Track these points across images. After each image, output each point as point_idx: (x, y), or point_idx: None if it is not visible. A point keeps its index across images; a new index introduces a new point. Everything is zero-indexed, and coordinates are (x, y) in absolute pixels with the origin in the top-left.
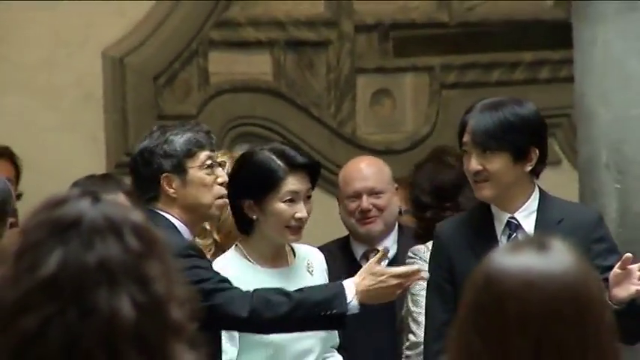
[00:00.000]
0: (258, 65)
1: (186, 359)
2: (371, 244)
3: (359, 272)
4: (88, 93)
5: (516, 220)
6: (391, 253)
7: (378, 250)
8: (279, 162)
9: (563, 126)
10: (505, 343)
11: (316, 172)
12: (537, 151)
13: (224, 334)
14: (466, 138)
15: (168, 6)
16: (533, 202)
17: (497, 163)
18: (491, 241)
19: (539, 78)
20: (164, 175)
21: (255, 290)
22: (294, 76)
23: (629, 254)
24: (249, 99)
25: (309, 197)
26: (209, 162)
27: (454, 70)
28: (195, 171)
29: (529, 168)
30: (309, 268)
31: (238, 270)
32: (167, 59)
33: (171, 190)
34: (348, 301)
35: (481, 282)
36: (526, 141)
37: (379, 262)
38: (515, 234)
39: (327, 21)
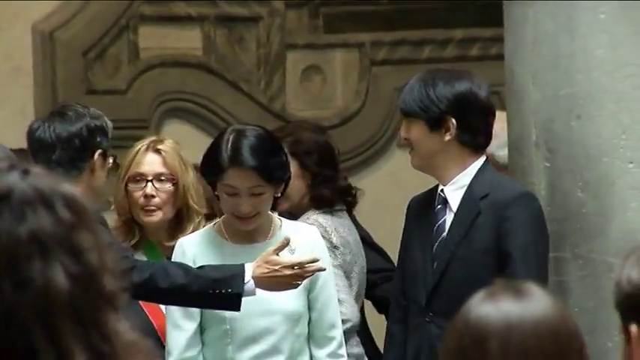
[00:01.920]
0: (188, 40)
1: (120, 329)
2: None
3: (257, 259)
4: (17, 67)
5: (443, 193)
6: None
7: None
8: (228, 152)
9: (494, 104)
10: None
11: (267, 173)
12: (454, 122)
13: (178, 310)
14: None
15: None
16: (466, 176)
17: (415, 131)
18: (429, 210)
19: (469, 55)
20: (100, 151)
21: (156, 263)
22: (225, 51)
23: None
24: (180, 74)
25: (259, 194)
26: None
27: (384, 46)
28: (110, 159)
29: (448, 137)
30: (291, 246)
31: (204, 245)
32: (97, 34)
33: (97, 169)
34: (245, 281)
35: (462, 326)
36: (440, 111)
37: (277, 251)
38: (441, 207)
39: None
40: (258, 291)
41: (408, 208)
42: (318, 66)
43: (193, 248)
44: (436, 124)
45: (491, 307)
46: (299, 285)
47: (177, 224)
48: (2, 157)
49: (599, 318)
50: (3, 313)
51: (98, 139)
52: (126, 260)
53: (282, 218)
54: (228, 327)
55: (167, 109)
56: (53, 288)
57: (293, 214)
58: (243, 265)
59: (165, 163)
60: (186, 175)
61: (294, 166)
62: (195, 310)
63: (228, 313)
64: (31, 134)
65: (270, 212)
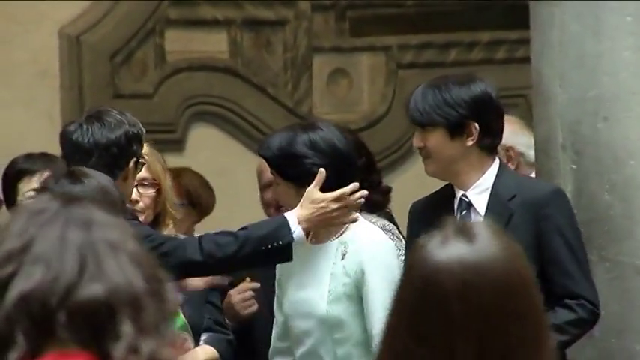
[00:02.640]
0: (214, 44)
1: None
2: None
3: (299, 203)
4: (43, 70)
5: (467, 198)
6: None
7: None
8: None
9: (520, 106)
10: (450, 348)
11: (277, 165)
12: (477, 126)
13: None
14: (409, 117)
15: None
16: (487, 179)
17: (434, 139)
18: (448, 215)
19: (495, 58)
20: (134, 159)
21: (199, 236)
22: (251, 54)
23: None
24: (206, 78)
25: (277, 184)
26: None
27: (411, 49)
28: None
29: (470, 143)
30: (344, 251)
31: None
32: (124, 37)
33: (129, 177)
34: (292, 230)
35: (418, 281)
36: (461, 116)
37: (316, 186)
38: (466, 212)
39: (284, 0)
40: (300, 293)
41: (412, 213)
42: (345, 69)
43: None
44: (458, 130)
45: (446, 259)
46: (353, 218)
47: (154, 228)
48: None
49: (627, 320)
50: (66, 287)
51: (134, 147)
52: (171, 241)
53: (364, 222)
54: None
55: (193, 113)
56: (133, 282)
57: None
58: (284, 216)
59: (148, 168)
60: (166, 181)
61: None
62: (281, 302)
63: (284, 313)
64: (66, 137)
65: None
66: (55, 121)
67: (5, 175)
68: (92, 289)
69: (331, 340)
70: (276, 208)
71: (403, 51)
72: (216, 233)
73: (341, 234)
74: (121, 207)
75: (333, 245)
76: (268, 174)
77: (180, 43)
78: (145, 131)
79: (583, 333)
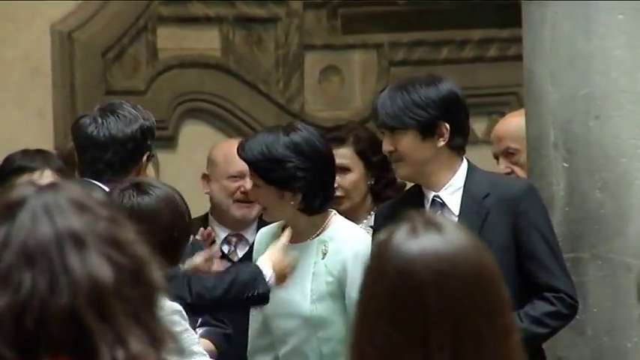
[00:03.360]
0: (206, 41)
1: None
2: (234, 228)
3: (272, 251)
4: (35, 68)
5: (440, 198)
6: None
7: (239, 236)
8: None
9: (512, 104)
10: (426, 337)
11: (259, 169)
12: (448, 126)
13: None
14: (377, 121)
15: None
16: (458, 179)
17: (405, 142)
18: None
19: (487, 56)
20: (148, 153)
21: (187, 277)
22: (243, 52)
23: None
24: (198, 75)
25: (257, 187)
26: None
27: (402, 47)
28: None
29: (442, 143)
30: (324, 250)
31: (269, 238)
32: (116, 34)
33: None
34: (267, 280)
35: (393, 273)
36: (432, 117)
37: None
38: (440, 212)
39: None
40: (281, 293)
41: (377, 217)
42: (337, 67)
43: (261, 238)
44: (429, 130)
45: (419, 248)
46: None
47: None
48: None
49: (618, 318)
50: (39, 301)
51: (148, 141)
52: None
53: (341, 219)
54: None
55: (185, 110)
56: (97, 277)
57: (352, 215)
58: (257, 265)
59: None
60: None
61: (358, 167)
62: None
63: (263, 313)
64: (79, 129)
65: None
66: (47, 119)
67: (1, 172)
68: (62, 299)
69: (316, 338)
70: (242, 200)
71: (395, 48)
72: (202, 278)
73: (319, 233)
74: (188, 217)
75: (313, 244)
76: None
77: (172, 40)
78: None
79: (561, 326)
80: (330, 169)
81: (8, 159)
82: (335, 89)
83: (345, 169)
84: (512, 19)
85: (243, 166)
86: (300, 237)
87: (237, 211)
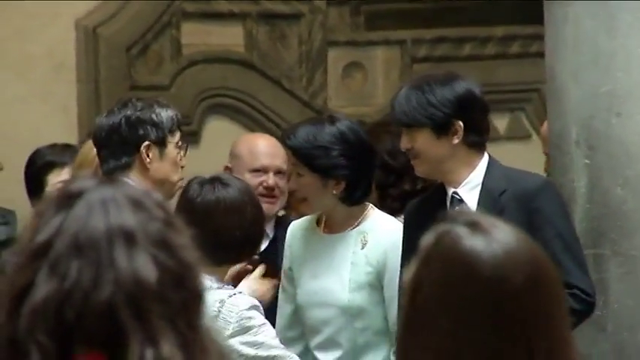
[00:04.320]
0: (230, 37)
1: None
2: None
3: (248, 283)
4: (60, 63)
5: (458, 194)
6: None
7: None
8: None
9: (534, 101)
10: (527, 341)
11: (305, 156)
12: (461, 124)
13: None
14: (394, 118)
15: None
16: (477, 175)
17: (420, 139)
18: (440, 214)
19: (509, 53)
20: (146, 143)
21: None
22: (266, 48)
23: None
24: (222, 70)
25: (300, 175)
26: (181, 142)
27: (425, 44)
28: (172, 147)
29: (456, 141)
30: (364, 241)
31: (302, 230)
32: (140, 30)
33: (147, 160)
34: None
35: (461, 273)
36: (446, 115)
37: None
38: (458, 208)
39: None
40: (316, 283)
41: (407, 214)
42: (360, 63)
43: (294, 231)
44: (443, 129)
45: (484, 246)
46: None
47: None
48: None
49: (639, 315)
50: (82, 293)
51: (141, 131)
52: None
53: (378, 212)
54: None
55: (209, 106)
56: (141, 275)
57: None
58: None
59: None
60: None
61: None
62: (291, 293)
63: (295, 304)
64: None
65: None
66: (71, 115)
67: (30, 166)
68: (104, 293)
69: (352, 328)
70: (266, 195)
71: (417, 45)
72: None
73: (357, 224)
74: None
75: (351, 235)
76: (274, 160)
77: (196, 36)
78: (169, 114)
79: (575, 323)
80: (372, 161)
81: (37, 153)
82: (358, 85)
83: (284, 174)
84: (535, 16)
85: (267, 160)
86: (338, 228)
87: None
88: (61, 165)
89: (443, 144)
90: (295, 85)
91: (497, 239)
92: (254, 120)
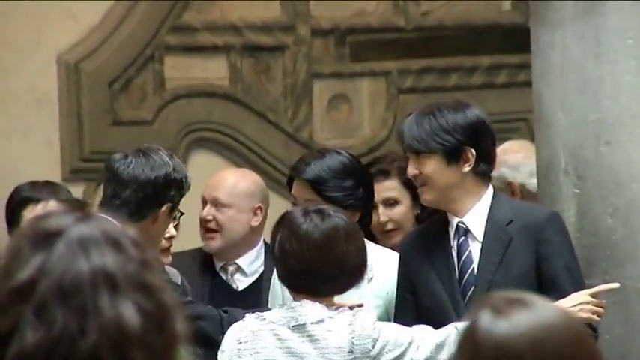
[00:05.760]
0: (214, 70)
1: None
2: (224, 258)
3: None
4: (41, 98)
5: (464, 224)
6: (254, 270)
7: (234, 264)
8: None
9: (521, 130)
10: None
11: (321, 188)
12: (473, 152)
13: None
14: (403, 144)
15: (123, 10)
16: (483, 205)
17: (430, 166)
18: (445, 247)
19: (496, 82)
20: (170, 204)
21: (220, 313)
22: (251, 80)
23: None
24: (205, 104)
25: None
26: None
27: (411, 74)
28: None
29: (467, 169)
30: (369, 275)
31: None
32: (122, 64)
33: (161, 220)
34: None
35: (489, 350)
36: (458, 142)
37: None
38: (464, 238)
39: (283, 25)
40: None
41: (405, 245)
42: (345, 95)
43: None
44: (454, 155)
45: (510, 325)
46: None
47: None
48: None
49: (631, 344)
50: (69, 340)
51: (172, 192)
52: (196, 305)
53: (373, 244)
54: None
55: (193, 140)
56: (124, 322)
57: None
58: None
59: None
60: None
61: (405, 198)
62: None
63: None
64: (109, 164)
65: None
66: (54, 149)
67: (9, 202)
68: (89, 341)
69: None
70: (202, 229)
71: (403, 76)
72: (234, 312)
73: None
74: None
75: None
76: (211, 191)
77: (179, 70)
78: (190, 179)
79: None
80: (372, 191)
81: (17, 190)
82: (344, 117)
83: (395, 202)
84: (521, 44)
85: (206, 192)
86: None
87: (202, 240)
88: (36, 201)
89: (452, 171)
90: (280, 118)
91: (517, 314)
92: (239, 154)
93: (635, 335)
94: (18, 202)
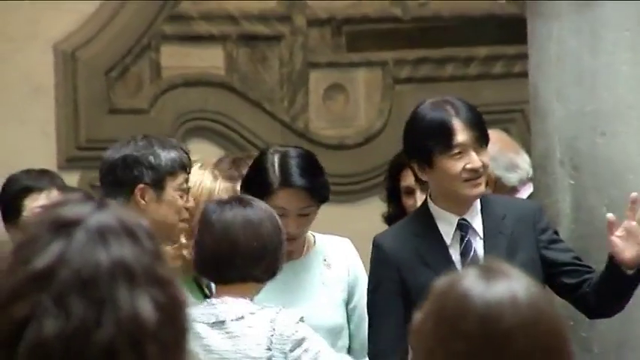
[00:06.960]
0: (210, 59)
1: None
2: None
3: None
4: (37, 87)
5: (467, 221)
6: None
7: None
8: (277, 174)
9: (517, 121)
10: None
11: (316, 193)
12: None
13: None
14: (463, 137)
15: None
16: (476, 202)
17: (487, 156)
18: (441, 247)
19: (492, 73)
20: (141, 185)
21: None
22: (247, 70)
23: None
24: (202, 93)
25: (306, 214)
26: (185, 185)
27: (407, 64)
28: (171, 191)
29: None
30: (326, 261)
31: None
32: (119, 53)
33: (142, 202)
34: None
35: (474, 327)
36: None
37: None
38: (467, 236)
39: (279, 15)
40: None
41: (383, 246)
42: (341, 84)
43: None
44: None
45: (496, 295)
46: None
47: None
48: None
49: (626, 335)
50: (85, 332)
51: (136, 172)
52: None
53: (315, 233)
54: None
55: (189, 129)
56: (141, 316)
57: None
58: None
59: None
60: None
61: (419, 188)
62: None
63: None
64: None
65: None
66: (51, 138)
67: (5, 190)
68: (106, 334)
69: (335, 348)
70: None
71: (400, 66)
72: None
73: (310, 247)
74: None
75: (311, 258)
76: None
77: (175, 59)
78: (168, 157)
79: None
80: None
81: (12, 179)
82: (339, 107)
83: (413, 191)
84: (518, 35)
85: None
86: (297, 254)
87: None
88: (38, 190)
89: None
90: (276, 108)
91: (501, 283)
92: (235, 143)
93: (630, 326)
94: (18, 191)
